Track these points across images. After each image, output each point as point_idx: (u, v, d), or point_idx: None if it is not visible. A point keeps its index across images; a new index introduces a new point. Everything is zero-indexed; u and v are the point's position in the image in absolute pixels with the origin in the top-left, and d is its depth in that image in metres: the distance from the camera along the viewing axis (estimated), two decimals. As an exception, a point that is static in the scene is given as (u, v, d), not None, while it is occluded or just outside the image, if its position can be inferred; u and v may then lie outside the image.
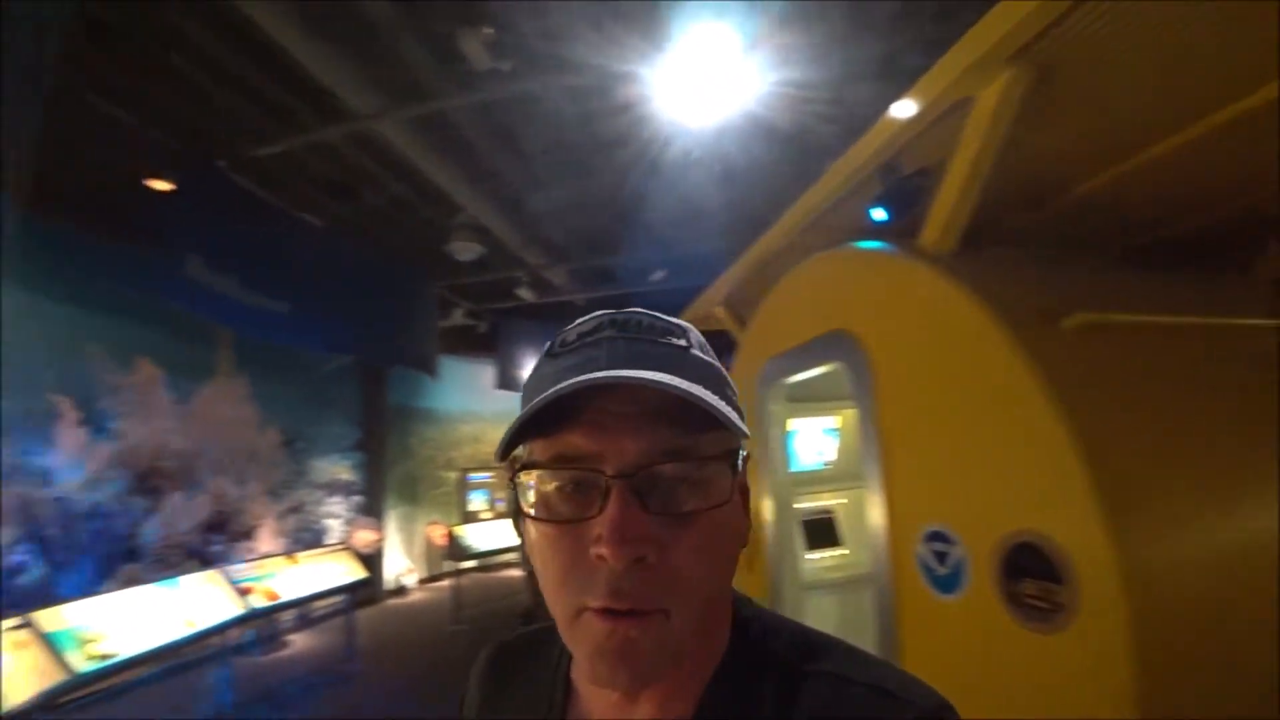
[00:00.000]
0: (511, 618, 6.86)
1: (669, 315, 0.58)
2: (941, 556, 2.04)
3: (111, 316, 5.47)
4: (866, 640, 2.69)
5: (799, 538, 3.74)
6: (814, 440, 4.03)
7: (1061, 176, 2.61)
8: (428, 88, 4.52)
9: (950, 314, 2.06)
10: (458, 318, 9.36)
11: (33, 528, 4.79)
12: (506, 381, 9.31)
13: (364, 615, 7.00)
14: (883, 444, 2.45)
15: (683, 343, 0.53)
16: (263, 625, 5.72)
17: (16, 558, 4.65)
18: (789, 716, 0.50)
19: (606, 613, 0.45)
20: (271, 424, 6.78)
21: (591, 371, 0.47)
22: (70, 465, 5.08)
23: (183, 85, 4.34)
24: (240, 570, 4.74)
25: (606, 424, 0.47)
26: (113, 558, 5.24)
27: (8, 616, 3.03)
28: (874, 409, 2.49)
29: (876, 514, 2.45)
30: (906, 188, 2.50)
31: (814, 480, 3.94)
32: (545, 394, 0.46)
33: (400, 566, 9.13)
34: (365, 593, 8.16)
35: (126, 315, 5.50)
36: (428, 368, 7.94)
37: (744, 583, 3.78)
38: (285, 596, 4.89)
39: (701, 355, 0.53)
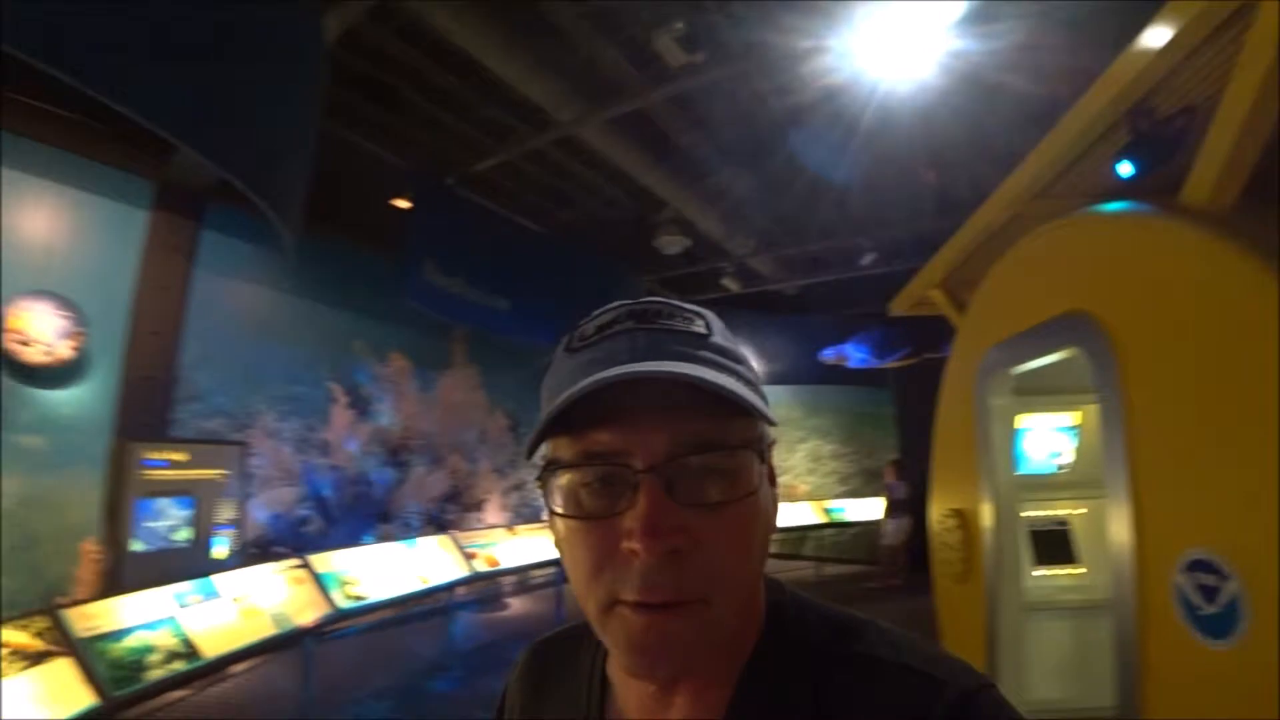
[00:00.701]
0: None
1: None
2: (1208, 591, 1.63)
3: (371, 317, 6.56)
4: (1102, 680, 2.26)
5: (1025, 550, 3.26)
6: (1048, 440, 3.47)
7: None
8: (626, 89, 4.74)
9: (1227, 286, 1.64)
10: (670, 309, 9.72)
11: (314, 489, 5.99)
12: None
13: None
14: (1130, 447, 2.04)
15: (703, 330, 0.52)
16: (486, 587, 6.47)
17: (302, 512, 5.85)
18: (825, 701, 0.49)
19: (641, 606, 0.45)
20: (499, 409, 7.67)
21: (613, 365, 0.47)
22: (342, 440, 6.24)
23: (415, 115, 5.10)
24: (467, 537, 5.42)
25: (632, 418, 0.46)
26: (371, 518, 6.33)
27: (291, 557, 3.86)
28: (1119, 404, 2.09)
29: (1120, 530, 2.05)
30: (1163, 133, 2.03)
31: (1047, 486, 3.40)
32: (568, 391, 0.46)
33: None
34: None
35: (383, 316, 6.55)
36: (637, 359, 8.40)
37: (957, 596, 3.45)
38: (504, 564, 5.49)
39: (722, 341, 0.53)
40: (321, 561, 3.96)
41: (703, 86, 4.69)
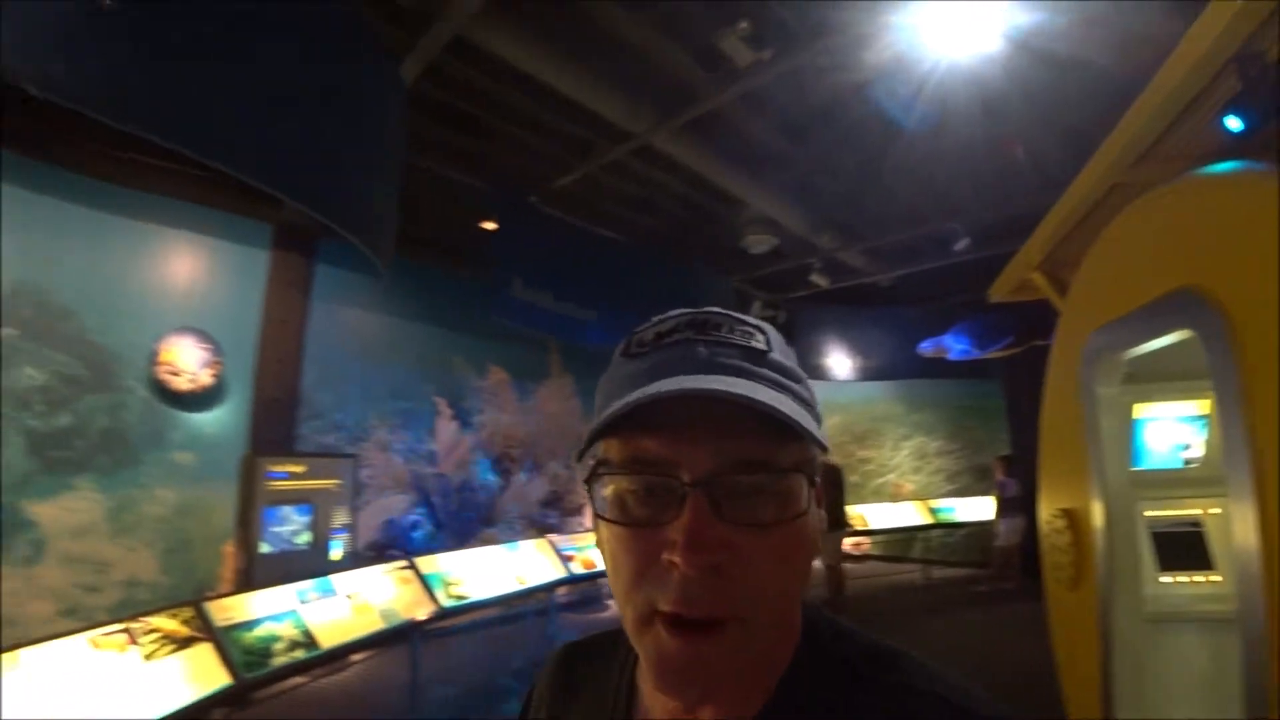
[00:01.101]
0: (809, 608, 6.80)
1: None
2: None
3: (470, 334, 6.95)
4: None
5: (1147, 554, 2.93)
6: (1173, 431, 3.11)
7: None
8: (698, 93, 4.73)
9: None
10: (756, 310, 9.57)
11: (423, 496, 6.44)
12: (807, 370, 9.16)
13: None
14: (1254, 439, 1.80)
15: (762, 345, 0.52)
16: (584, 588, 6.65)
17: (412, 517, 6.32)
18: None
19: (677, 622, 0.45)
20: (593, 416, 7.86)
21: (669, 374, 0.48)
22: (446, 450, 6.65)
23: (496, 139, 5.35)
24: (564, 540, 5.62)
25: (684, 431, 0.46)
26: (475, 522, 6.71)
27: (401, 560, 4.17)
28: (1238, 391, 1.86)
29: (1245, 533, 1.81)
30: (1277, 80, 1.77)
31: (1173, 482, 3.04)
32: (624, 400, 0.46)
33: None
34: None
35: (480, 332, 6.90)
36: (731, 362, 8.33)
37: (1069, 603, 3.18)
38: (600, 566, 5.64)
39: (781, 359, 0.52)
40: (427, 563, 4.26)
41: (773, 82, 4.61)
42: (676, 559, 0.44)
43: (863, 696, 0.50)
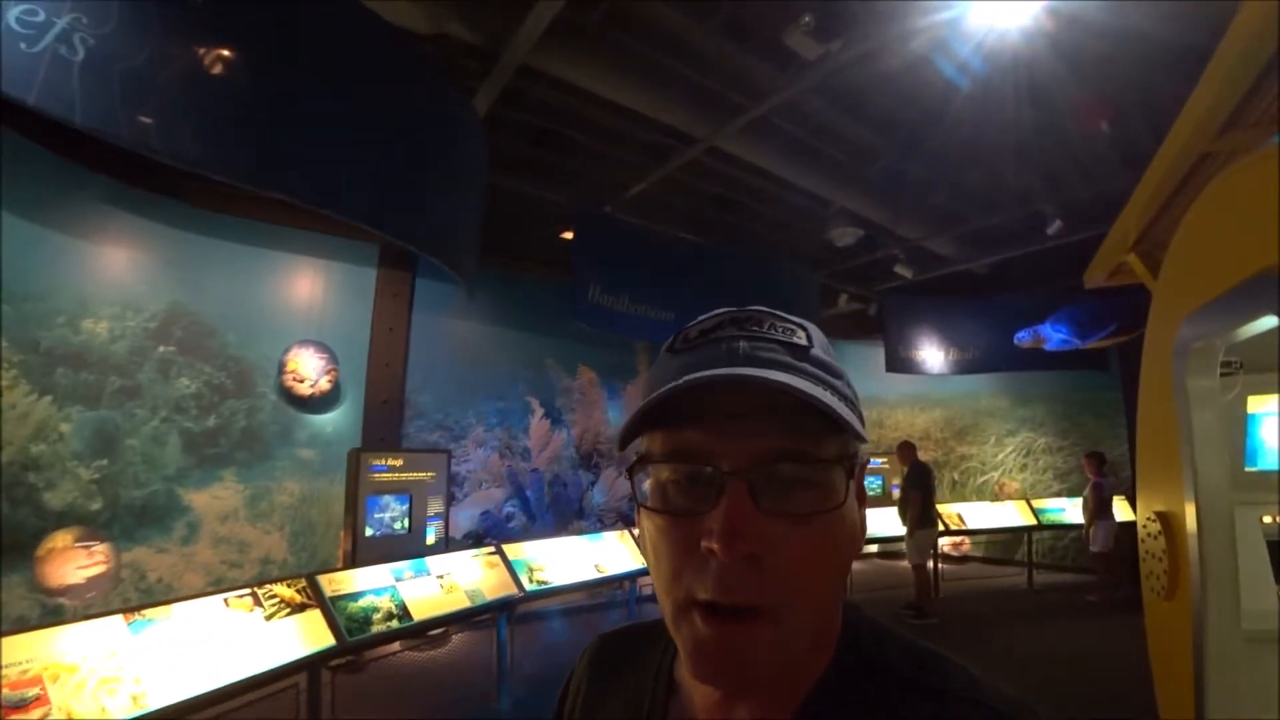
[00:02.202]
0: (897, 607, 6.56)
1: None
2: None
3: (559, 337, 7.32)
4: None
5: (1254, 564, 2.66)
6: (1289, 427, 2.81)
7: None
8: (767, 91, 4.73)
9: None
10: (843, 304, 9.33)
11: (517, 489, 6.88)
12: (896, 363, 8.72)
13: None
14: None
15: (803, 341, 0.53)
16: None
17: (507, 509, 6.78)
18: None
19: (714, 610, 0.46)
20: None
21: (709, 368, 0.48)
22: (539, 446, 7.06)
23: (572, 153, 5.59)
24: (645, 532, 5.83)
25: (724, 422, 0.47)
26: (567, 515, 7.09)
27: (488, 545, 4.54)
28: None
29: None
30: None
31: (1291, 484, 2.75)
32: (662, 388, 0.48)
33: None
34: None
35: (569, 335, 7.18)
36: (818, 357, 8.15)
37: (1163, 614, 2.97)
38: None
39: (822, 355, 0.53)
40: (513, 549, 4.56)
41: (842, 72, 4.53)
42: (714, 547, 0.45)
43: (904, 702, 0.49)
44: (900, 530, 6.82)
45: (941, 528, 7.11)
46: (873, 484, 9.70)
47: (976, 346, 8.11)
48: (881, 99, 4.92)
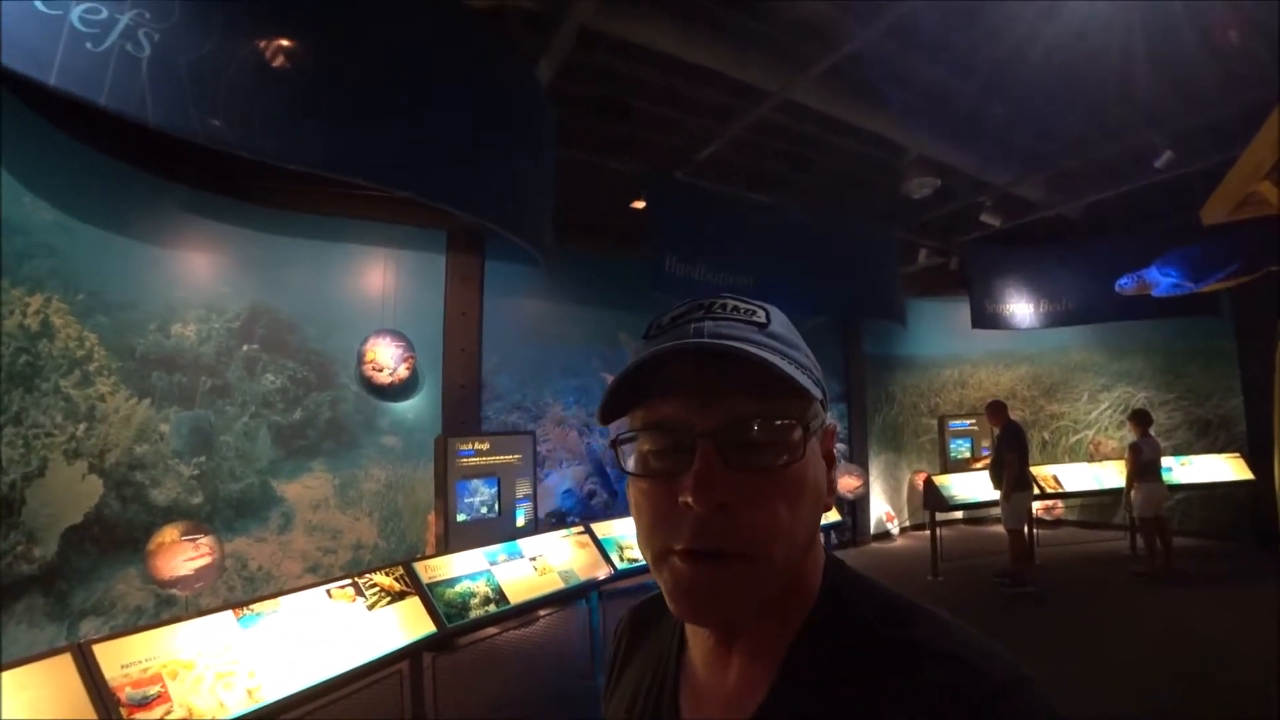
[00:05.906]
0: (990, 575, 6.28)
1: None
2: None
3: (631, 311, 7.16)
4: None
5: None
6: None
7: None
8: (836, 38, 4.44)
9: None
10: (923, 259, 8.80)
11: (598, 466, 6.88)
12: (982, 319, 8.09)
13: (846, 555, 7.48)
14: None
15: (762, 320, 0.59)
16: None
17: (589, 486, 6.80)
18: (867, 678, 0.52)
19: (690, 554, 0.51)
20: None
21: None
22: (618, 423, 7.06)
23: (639, 120, 5.40)
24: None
25: (694, 391, 0.54)
26: (647, 491, 7.07)
27: (578, 526, 4.52)
28: None
29: None
30: None
31: None
32: (631, 362, 0.55)
33: (881, 512, 9.37)
34: (846, 535, 8.76)
35: (641, 309, 6.96)
36: (895, 316, 7.59)
37: None
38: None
39: (780, 330, 0.59)
40: (603, 528, 4.55)
41: (913, 10, 4.19)
42: (689, 499, 0.50)
43: (875, 651, 0.52)
44: (991, 495, 6.52)
45: (1036, 490, 6.77)
46: (961, 446, 9.31)
47: (1071, 297, 7.53)
48: (958, 34, 4.53)
